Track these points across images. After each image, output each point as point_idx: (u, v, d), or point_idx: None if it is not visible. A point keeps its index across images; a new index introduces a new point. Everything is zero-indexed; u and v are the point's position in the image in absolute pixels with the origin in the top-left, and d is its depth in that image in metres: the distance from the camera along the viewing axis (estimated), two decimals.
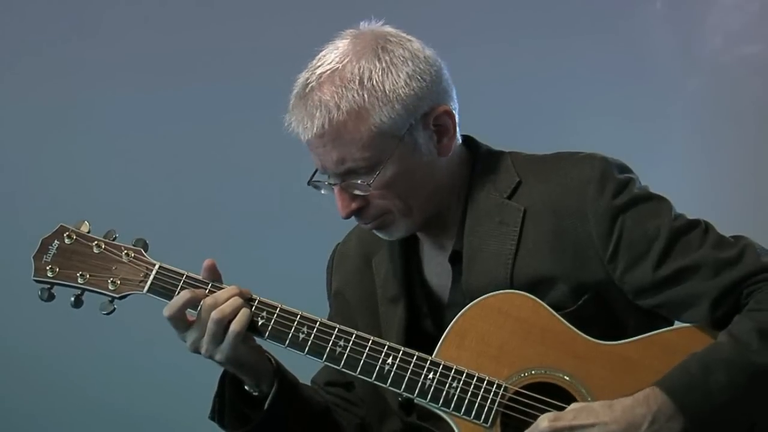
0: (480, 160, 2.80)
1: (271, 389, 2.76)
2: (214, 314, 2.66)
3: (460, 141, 2.80)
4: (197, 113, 4.72)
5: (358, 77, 2.65)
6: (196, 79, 4.74)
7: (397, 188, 2.69)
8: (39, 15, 4.77)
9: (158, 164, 4.72)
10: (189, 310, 2.71)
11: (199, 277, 2.74)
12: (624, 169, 2.73)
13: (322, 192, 2.76)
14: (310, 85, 2.67)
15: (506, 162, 2.80)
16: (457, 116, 2.75)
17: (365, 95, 2.65)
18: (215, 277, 2.74)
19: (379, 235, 2.80)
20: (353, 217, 2.74)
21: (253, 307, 2.71)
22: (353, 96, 2.64)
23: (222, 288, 2.72)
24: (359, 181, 2.68)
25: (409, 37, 2.73)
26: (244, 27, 4.79)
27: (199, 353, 2.71)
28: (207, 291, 2.72)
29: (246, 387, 2.79)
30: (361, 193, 2.69)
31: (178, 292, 2.71)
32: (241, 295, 2.71)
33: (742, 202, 4.69)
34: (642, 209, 2.67)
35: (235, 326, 2.67)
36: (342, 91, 2.65)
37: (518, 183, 2.75)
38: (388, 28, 2.74)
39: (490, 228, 2.73)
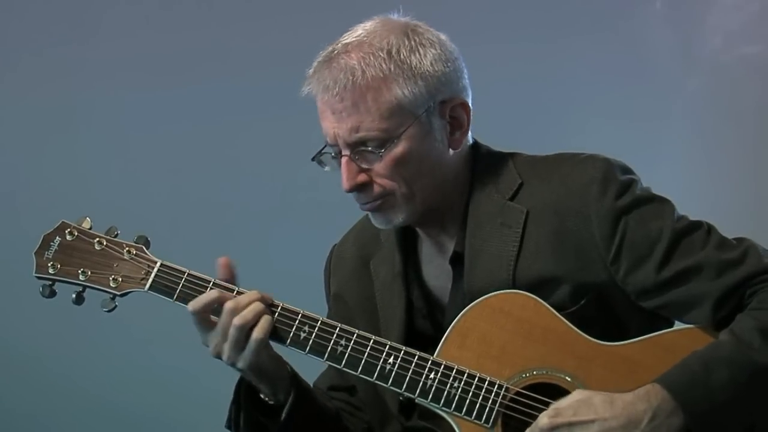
0: (481, 161, 2.80)
1: (287, 397, 2.75)
2: (236, 320, 2.65)
3: (471, 142, 2.80)
4: (199, 111, 4.73)
5: (386, 48, 2.66)
6: (198, 78, 4.75)
7: (404, 168, 2.68)
8: (39, 15, 4.77)
9: (160, 162, 4.72)
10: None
11: (202, 275, 2.73)
12: (626, 170, 2.73)
13: (326, 169, 2.75)
14: (336, 51, 2.68)
15: (508, 163, 2.79)
16: (471, 115, 2.76)
17: (392, 66, 2.65)
18: (230, 276, 2.73)
19: (375, 220, 2.77)
20: (355, 195, 2.72)
21: (277, 314, 2.70)
22: (380, 64, 2.65)
23: (242, 292, 2.71)
24: (369, 149, 2.67)
25: (436, 30, 2.75)
26: (245, 27, 4.79)
27: (221, 359, 2.69)
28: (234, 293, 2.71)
29: (261, 395, 2.78)
30: (368, 166, 2.68)
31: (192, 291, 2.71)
32: (262, 300, 2.69)
33: (742, 202, 4.69)
34: (644, 211, 2.67)
35: (257, 333, 2.66)
36: (370, 58, 2.65)
37: (520, 184, 2.75)
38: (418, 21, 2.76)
39: (491, 229, 2.73)
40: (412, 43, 2.68)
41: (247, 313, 2.66)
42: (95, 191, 4.62)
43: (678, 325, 2.70)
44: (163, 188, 4.71)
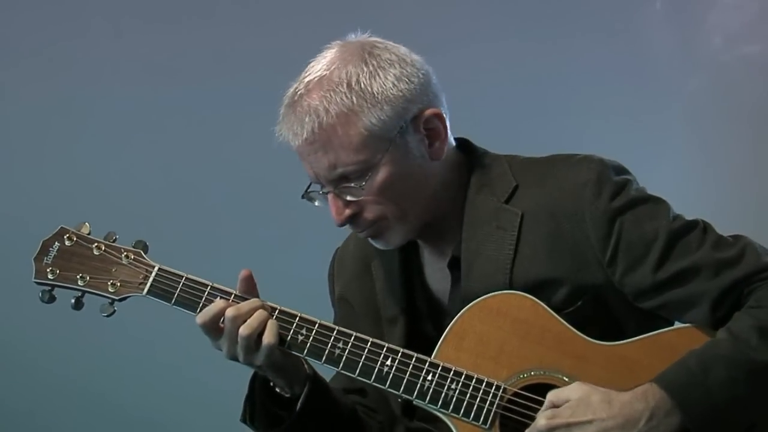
0: (476, 164, 2.80)
1: (302, 389, 2.76)
2: (243, 330, 2.66)
3: (454, 145, 2.80)
4: (198, 115, 4.73)
5: (345, 81, 2.65)
6: (199, 80, 4.74)
7: (390, 192, 2.69)
8: (38, 14, 4.77)
9: (158, 166, 4.72)
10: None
11: (199, 279, 2.75)
12: (621, 170, 2.73)
13: (317, 204, 2.76)
14: (298, 93, 2.68)
15: (503, 166, 2.79)
16: (447, 120, 2.75)
17: (354, 98, 2.65)
18: (250, 288, 2.74)
19: (376, 244, 2.79)
20: (348, 226, 2.74)
21: (275, 317, 2.71)
22: (341, 99, 2.64)
23: (240, 297, 2.73)
24: (352, 185, 2.68)
25: (395, 44, 2.73)
26: (245, 27, 4.79)
27: (238, 361, 2.71)
28: (232, 300, 2.73)
29: (277, 389, 2.80)
30: (354, 198, 2.69)
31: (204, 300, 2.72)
32: (264, 307, 2.70)
33: (742, 202, 4.68)
34: (640, 211, 2.67)
35: (267, 339, 2.67)
36: (330, 95, 2.65)
37: (515, 187, 2.75)
38: (375, 37, 2.74)
39: (487, 233, 2.73)
40: (370, 68, 2.67)
41: (252, 321, 2.67)
42: (94, 192, 4.62)
43: (676, 325, 2.70)
44: (163, 190, 4.71)
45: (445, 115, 2.73)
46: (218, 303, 2.70)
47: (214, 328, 2.70)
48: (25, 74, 4.74)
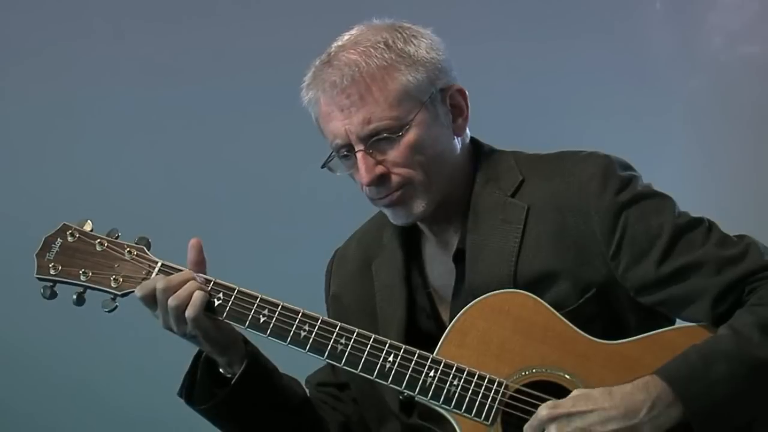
0: (483, 159, 2.81)
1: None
2: (171, 301, 2.70)
3: (469, 135, 2.82)
4: (200, 112, 4.73)
5: (382, 41, 2.70)
6: (200, 78, 4.75)
7: (419, 155, 2.70)
8: (38, 14, 4.77)
9: (161, 163, 4.72)
10: None
11: (205, 276, 2.76)
12: (627, 166, 2.74)
13: (338, 174, 2.77)
14: (333, 52, 2.71)
15: (509, 161, 2.81)
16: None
17: (392, 55, 2.69)
18: (198, 257, 2.77)
19: (396, 215, 2.77)
20: (374, 190, 2.72)
21: (210, 288, 2.74)
22: (381, 54, 2.68)
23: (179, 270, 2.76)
24: (385, 135, 2.68)
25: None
26: (245, 27, 4.79)
27: (173, 332, 2.75)
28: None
29: (220, 370, 2.81)
30: (383, 158, 2.69)
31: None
32: (194, 279, 2.73)
33: (742, 201, 4.69)
34: (645, 206, 2.68)
35: (189, 312, 2.70)
36: (370, 50, 2.69)
37: (521, 181, 2.76)
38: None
39: (493, 226, 2.74)
40: (404, 34, 2.72)
41: (181, 292, 2.71)
42: (96, 189, 4.63)
43: (678, 324, 2.71)
44: (165, 186, 4.72)
45: (467, 95, 2.77)
46: (157, 277, 2.74)
47: (151, 301, 2.73)
48: (26, 74, 4.74)
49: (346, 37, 2.74)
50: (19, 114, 4.72)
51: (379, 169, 2.70)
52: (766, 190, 4.78)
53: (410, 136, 2.69)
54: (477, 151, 2.83)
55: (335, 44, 2.74)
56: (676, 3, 4.91)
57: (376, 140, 2.69)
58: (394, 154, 2.69)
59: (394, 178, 2.71)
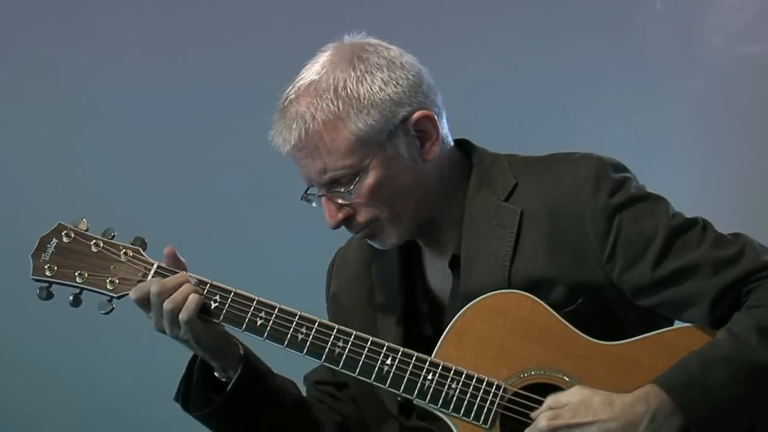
0: (476, 162, 2.80)
1: (236, 373, 2.77)
2: (166, 305, 2.70)
3: (452, 144, 2.80)
4: (197, 112, 4.72)
5: (332, 87, 2.68)
6: (197, 78, 4.75)
7: (381, 195, 2.70)
8: (38, 14, 4.77)
9: (157, 163, 4.72)
10: None
11: (198, 277, 2.75)
12: (620, 168, 2.72)
13: (314, 205, 2.78)
14: (289, 99, 2.71)
15: (502, 164, 2.79)
16: (443, 120, 2.76)
17: (339, 104, 2.67)
18: (176, 264, 2.77)
19: (374, 244, 2.80)
20: (343, 227, 2.75)
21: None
22: (327, 105, 2.67)
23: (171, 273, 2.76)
24: (341, 190, 2.70)
25: (388, 45, 2.75)
26: (245, 27, 4.79)
27: (166, 334, 2.75)
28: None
29: (216, 374, 2.81)
30: (345, 202, 2.71)
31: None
32: (188, 281, 2.73)
33: (742, 201, 4.68)
34: (638, 208, 2.66)
35: (182, 315, 2.70)
36: (317, 101, 2.67)
37: (515, 185, 2.75)
38: (369, 39, 2.76)
39: (487, 230, 2.73)
40: (358, 73, 2.69)
41: (176, 296, 2.70)
42: (92, 188, 4.63)
43: (676, 324, 2.69)
44: (161, 186, 4.71)
45: (437, 116, 2.74)
46: (152, 280, 2.74)
47: (145, 303, 2.73)
48: (20, 74, 4.74)
49: (310, 71, 2.72)
50: (14, 113, 4.71)
51: (343, 213, 2.72)
52: (766, 190, 4.77)
53: (369, 180, 2.69)
54: (469, 155, 2.81)
55: (297, 83, 2.72)
56: (676, 3, 4.91)
57: (335, 189, 2.70)
58: (353, 199, 2.71)
59: (359, 218, 2.73)
